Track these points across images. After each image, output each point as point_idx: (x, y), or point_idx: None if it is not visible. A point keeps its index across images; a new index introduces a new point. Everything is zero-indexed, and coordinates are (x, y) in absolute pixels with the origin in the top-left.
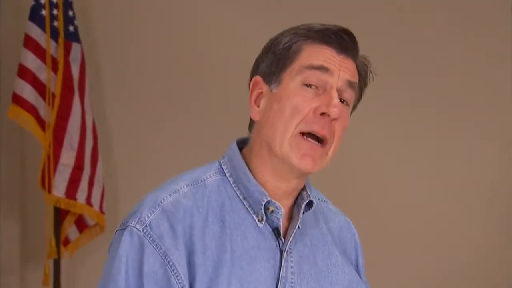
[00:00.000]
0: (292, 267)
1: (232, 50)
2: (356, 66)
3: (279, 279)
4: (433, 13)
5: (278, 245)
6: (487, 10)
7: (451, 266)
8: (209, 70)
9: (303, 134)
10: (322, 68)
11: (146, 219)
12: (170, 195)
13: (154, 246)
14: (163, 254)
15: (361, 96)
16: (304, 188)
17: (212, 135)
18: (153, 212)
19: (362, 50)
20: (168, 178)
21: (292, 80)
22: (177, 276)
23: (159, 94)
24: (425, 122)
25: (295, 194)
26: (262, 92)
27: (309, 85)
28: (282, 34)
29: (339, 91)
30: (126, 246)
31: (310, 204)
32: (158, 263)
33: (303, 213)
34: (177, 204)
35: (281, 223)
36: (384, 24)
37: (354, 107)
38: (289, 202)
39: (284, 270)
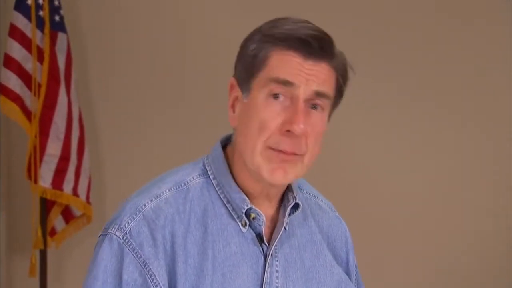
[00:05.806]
0: (277, 271)
1: (223, 36)
2: (332, 65)
3: (263, 284)
4: (432, 7)
5: (262, 250)
6: (487, 4)
7: (449, 265)
8: (197, 60)
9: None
10: (286, 83)
11: (126, 226)
12: (151, 201)
13: (134, 255)
14: (143, 263)
15: (342, 93)
16: (290, 189)
17: (200, 126)
18: (134, 218)
19: (361, 46)
20: (154, 169)
21: (259, 91)
22: (156, 286)
23: (145, 85)
24: (421, 117)
25: (279, 196)
26: (237, 97)
27: (277, 96)
28: (252, 36)
29: (309, 100)
30: (106, 253)
31: (296, 206)
32: (137, 272)
33: (289, 215)
34: (158, 210)
35: (264, 228)
36: (382, 19)
37: (336, 104)
38: (273, 204)
39: (268, 275)
